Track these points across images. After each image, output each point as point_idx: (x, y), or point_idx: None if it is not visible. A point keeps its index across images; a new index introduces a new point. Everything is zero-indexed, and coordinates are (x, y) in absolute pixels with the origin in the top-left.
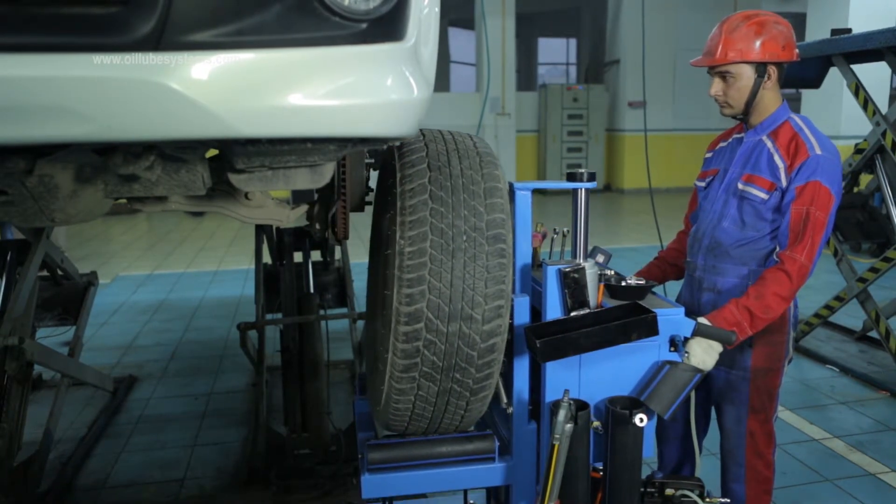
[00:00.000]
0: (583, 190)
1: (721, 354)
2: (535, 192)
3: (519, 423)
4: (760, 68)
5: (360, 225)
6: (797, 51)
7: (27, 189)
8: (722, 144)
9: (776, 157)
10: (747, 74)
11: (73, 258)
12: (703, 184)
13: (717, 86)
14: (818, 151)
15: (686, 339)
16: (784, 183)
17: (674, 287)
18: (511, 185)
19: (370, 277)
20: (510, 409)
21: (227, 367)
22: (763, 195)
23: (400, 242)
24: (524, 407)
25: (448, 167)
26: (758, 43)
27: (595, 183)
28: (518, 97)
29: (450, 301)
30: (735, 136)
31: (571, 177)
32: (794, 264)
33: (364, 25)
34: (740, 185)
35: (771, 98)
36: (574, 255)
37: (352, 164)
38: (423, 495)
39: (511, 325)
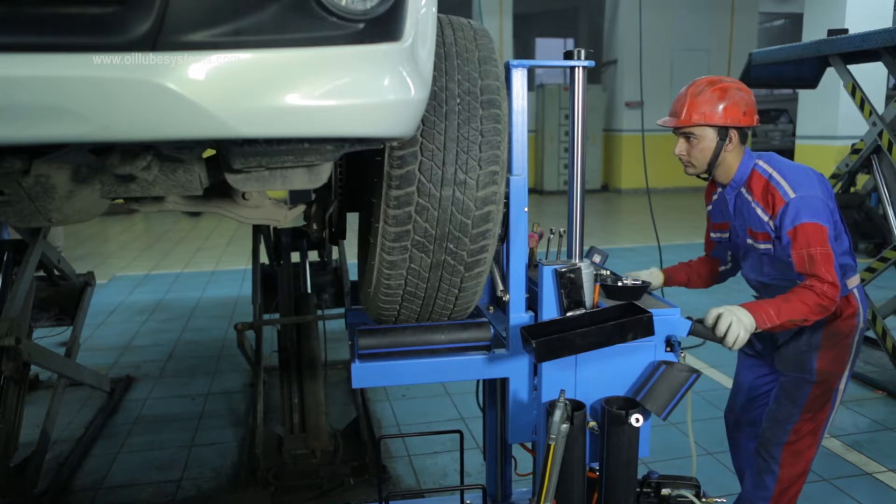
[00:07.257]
0: (580, 69)
1: (788, 359)
2: (532, 192)
3: (515, 311)
4: (722, 132)
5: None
6: (757, 117)
7: (24, 189)
8: (714, 197)
9: (759, 211)
10: (710, 137)
11: (69, 258)
12: (718, 235)
13: (681, 145)
14: (792, 195)
15: (718, 315)
16: (774, 231)
17: (674, 291)
18: (507, 63)
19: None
20: (506, 297)
21: (224, 367)
22: (768, 246)
23: None
24: (521, 295)
25: (441, 36)
26: (720, 107)
27: (594, 62)
28: None
29: (443, 164)
30: (719, 189)
31: (569, 55)
32: (817, 289)
33: (361, 25)
34: (749, 241)
35: (733, 158)
36: (570, 256)
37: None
38: (421, 494)
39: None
